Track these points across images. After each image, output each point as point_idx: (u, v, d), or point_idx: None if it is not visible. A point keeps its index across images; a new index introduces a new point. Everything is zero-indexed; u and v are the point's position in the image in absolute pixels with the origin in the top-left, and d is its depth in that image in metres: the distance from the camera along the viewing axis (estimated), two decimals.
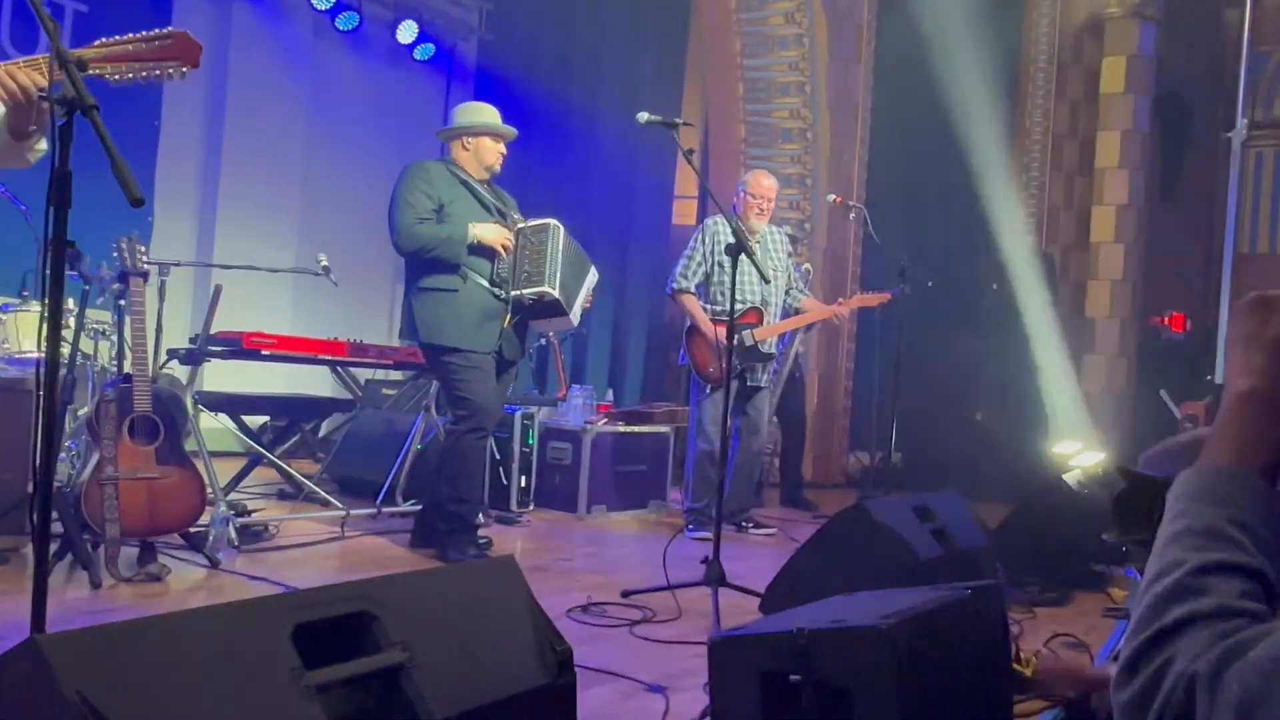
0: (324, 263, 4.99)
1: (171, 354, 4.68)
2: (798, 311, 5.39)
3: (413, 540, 4.30)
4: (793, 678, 1.79)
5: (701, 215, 8.73)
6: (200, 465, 3.69)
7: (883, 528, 3.17)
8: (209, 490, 3.85)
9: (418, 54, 8.16)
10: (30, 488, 3.32)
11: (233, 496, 4.63)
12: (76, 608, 3.01)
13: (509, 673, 1.70)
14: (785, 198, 7.28)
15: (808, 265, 6.92)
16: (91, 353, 4.69)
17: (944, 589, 2.14)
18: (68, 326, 3.99)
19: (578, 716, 1.81)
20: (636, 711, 2.39)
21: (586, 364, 8.04)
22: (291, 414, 5.53)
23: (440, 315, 3.99)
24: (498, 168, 4.20)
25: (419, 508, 4.48)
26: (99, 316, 4.76)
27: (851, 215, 7.15)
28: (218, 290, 4.72)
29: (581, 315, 4.34)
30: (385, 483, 4.95)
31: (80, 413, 4.27)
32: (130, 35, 1.91)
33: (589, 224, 7.01)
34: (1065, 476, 4.11)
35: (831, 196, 6.43)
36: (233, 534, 3.96)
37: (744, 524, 5.27)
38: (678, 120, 3.87)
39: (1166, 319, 9.06)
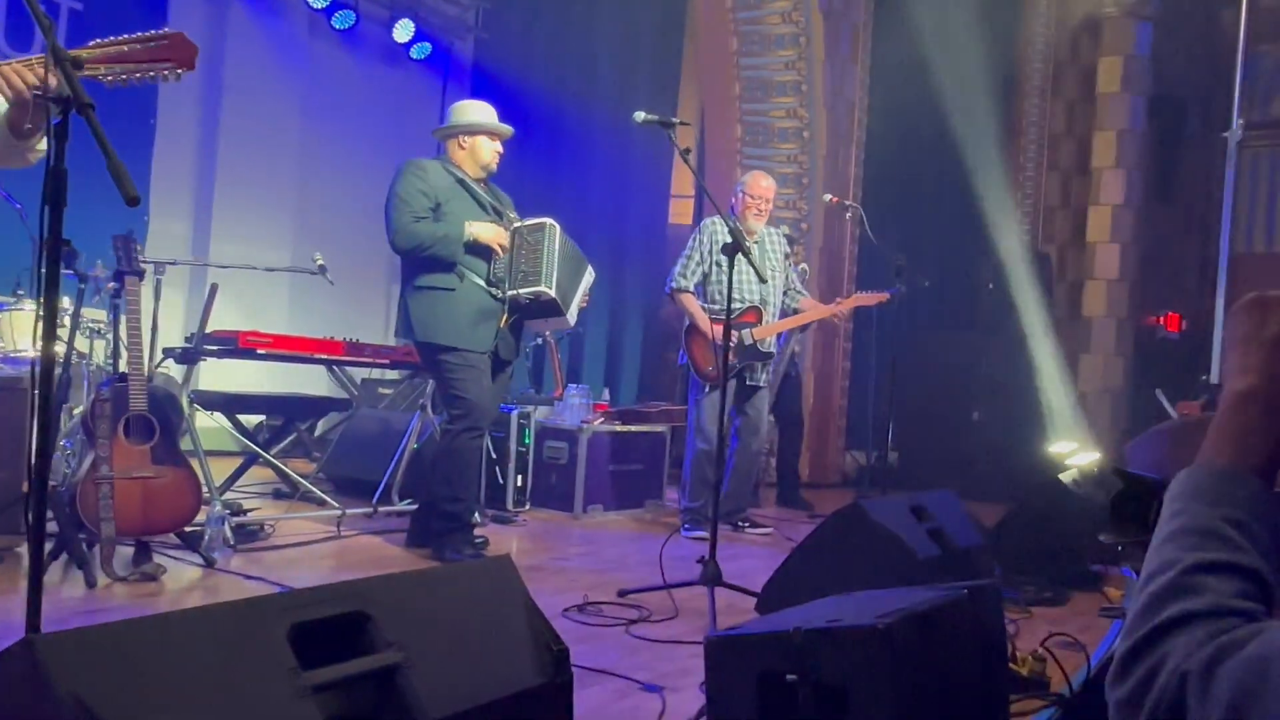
0: (320, 261, 4.99)
1: (167, 353, 4.68)
2: (796, 312, 5.40)
3: (409, 540, 4.29)
4: (789, 677, 1.79)
5: (698, 214, 8.74)
6: (196, 464, 3.68)
7: (879, 527, 3.17)
8: (204, 490, 3.84)
9: (414, 52, 8.16)
10: (25, 487, 3.31)
11: (228, 496, 4.63)
12: (71, 607, 3.00)
13: (505, 672, 1.70)
14: (781, 197, 7.27)
15: (804, 265, 6.92)
16: (87, 352, 4.68)
17: (940, 589, 2.14)
18: (63, 325, 3.98)
19: (574, 716, 1.81)
20: (633, 711, 2.39)
21: (583, 363, 8.04)
22: (287, 413, 5.52)
23: (436, 314, 3.98)
24: (494, 167, 4.20)
25: (415, 507, 4.47)
26: (95, 315, 4.76)
27: (848, 215, 7.15)
28: (213, 289, 4.72)
29: (578, 314, 4.34)
30: (381, 482, 4.94)
31: (76, 412, 4.27)
32: (125, 36, 1.90)
33: (585, 223, 7.02)
34: (1061, 476, 4.12)
35: (828, 196, 6.44)
36: (228, 533, 3.95)
37: (740, 523, 5.28)
38: (674, 119, 3.87)
39: (1162, 319, 9.08)
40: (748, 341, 5.02)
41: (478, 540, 4.16)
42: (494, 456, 5.46)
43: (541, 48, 8.25)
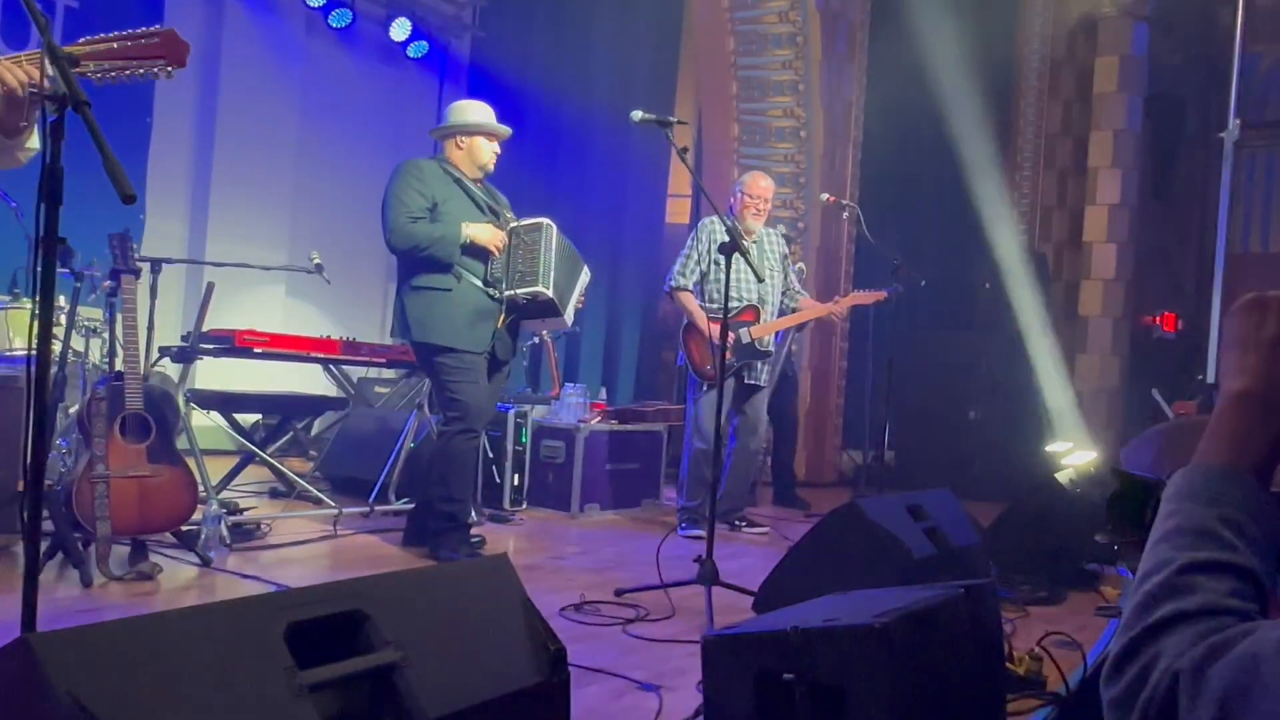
0: (316, 260, 4.98)
1: (163, 352, 4.67)
2: (795, 311, 5.39)
3: (405, 539, 4.29)
4: (786, 676, 1.79)
5: (695, 214, 8.73)
6: (192, 463, 3.68)
7: (876, 527, 3.17)
8: (201, 489, 3.84)
9: (411, 51, 8.15)
10: (21, 486, 3.31)
11: (225, 495, 4.62)
12: (68, 606, 3.00)
13: (502, 672, 1.69)
14: (779, 196, 7.27)
15: (801, 264, 6.92)
16: (83, 350, 4.68)
17: (937, 588, 2.14)
18: (59, 324, 3.98)
19: (571, 715, 1.81)
20: (630, 710, 2.39)
21: (580, 362, 8.03)
22: (284, 412, 5.52)
23: (433, 314, 3.98)
24: (491, 167, 4.19)
25: (412, 506, 4.47)
26: (90, 314, 4.75)
27: (845, 214, 7.14)
28: (210, 288, 4.71)
29: (575, 314, 4.33)
30: (378, 481, 4.94)
31: (71, 410, 4.26)
32: (116, 33, 1.89)
33: (582, 222, 7.01)
34: (1058, 475, 4.13)
35: (825, 195, 6.43)
36: (225, 532, 3.95)
37: (737, 522, 5.28)
38: (672, 119, 3.86)
39: (1158, 318, 9.09)
40: (745, 340, 5.02)
41: (474, 540, 4.16)
42: (491, 456, 5.46)
43: (539, 46, 8.25)
